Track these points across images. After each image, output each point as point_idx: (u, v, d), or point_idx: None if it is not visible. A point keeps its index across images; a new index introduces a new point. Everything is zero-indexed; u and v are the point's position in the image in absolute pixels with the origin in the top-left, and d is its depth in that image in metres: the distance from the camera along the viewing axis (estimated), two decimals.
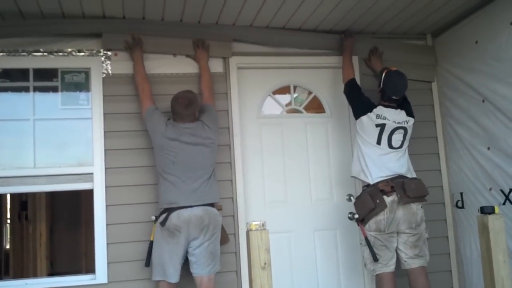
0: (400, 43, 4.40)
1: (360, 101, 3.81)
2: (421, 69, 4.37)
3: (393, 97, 3.69)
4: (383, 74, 3.71)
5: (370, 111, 3.67)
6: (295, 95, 4.31)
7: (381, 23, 4.10)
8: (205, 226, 3.38)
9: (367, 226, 3.56)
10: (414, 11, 3.89)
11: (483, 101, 3.84)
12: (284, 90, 4.30)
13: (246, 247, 3.63)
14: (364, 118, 3.70)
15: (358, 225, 3.63)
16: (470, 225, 4.02)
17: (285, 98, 4.31)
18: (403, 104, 3.79)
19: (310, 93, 4.31)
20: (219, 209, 3.55)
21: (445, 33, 4.27)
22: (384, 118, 3.65)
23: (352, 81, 3.92)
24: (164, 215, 3.40)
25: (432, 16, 4.02)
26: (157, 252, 3.42)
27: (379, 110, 3.68)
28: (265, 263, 2.59)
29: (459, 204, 4.18)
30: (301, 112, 4.29)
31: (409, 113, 3.76)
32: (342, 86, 4.03)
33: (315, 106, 4.33)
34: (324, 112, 4.31)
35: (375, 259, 3.51)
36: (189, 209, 3.37)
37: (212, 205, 3.49)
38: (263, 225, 2.65)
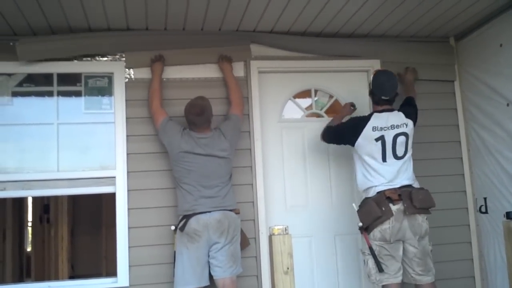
0: (419, 44, 4.35)
1: (345, 132, 3.66)
2: (441, 69, 4.33)
3: (383, 98, 3.56)
4: (372, 76, 3.63)
5: (363, 128, 3.50)
6: (316, 98, 4.30)
7: (403, 26, 4.06)
8: (224, 230, 3.39)
9: (371, 235, 3.39)
10: (437, 14, 3.85)
11: (508, 105, 3.78)
12: (305, 94, 4.29)
13: (266, 251, 3.66)
14: (359, 140, 3.52)
15: (362, 234, 3.47)
16: (494, 231, 3.96)
17: (306, 102, 4.30)
18: (403, 107, 3.70)
19: (331, 97, 4.30)
20: (237, 213, 3.55)
21: (468, 36, 4.22)
22: (381, 128, 3.49)
23: (327, 128, 3.81)
24: (183, 221, 3.41)
25: (456, 19, 3.98)
26: (178, 260, 3.42)
27: (374, 120, 3.52)
28: (287, 268, 2.60)
29: (483, 209, 4.11)
30: (322, 116, 4.28)
31: (408, 115, 3.59)
32: (363, 90, 4.01)
33: (336, 110, 4.30)
34: None
35: (380, 269, 3.36)
36: (207, 214, 3.38)
37: (230, 210, 3.49)
38: (285, 229, 2.66)
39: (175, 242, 3.50)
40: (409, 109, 3.67)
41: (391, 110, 3.59)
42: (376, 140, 3.48)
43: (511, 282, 2.74)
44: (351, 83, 4.29)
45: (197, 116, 3.53)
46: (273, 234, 2.65)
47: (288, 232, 2.65)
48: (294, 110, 4.27)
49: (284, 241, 2.62)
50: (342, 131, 3.71)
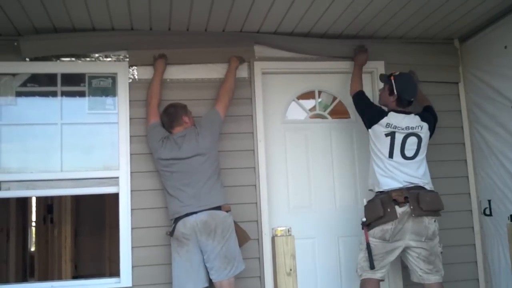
0: (423, 45, 4.33)
1: (369, 112, 3.71)
2: (445, 71, 4.33)
3: (411, 100, 3.64)
4: (393, 81, 3.62)
5: (380, 119, 3.58)
6: (319, 100, 4.29)
7: (408, 27, 4.05)
8: (211, 231, 3.35)
9: (372, 232, 3.46)
10: (442, 16, 3.84)
11: None
12: (309, 95, 4.28)
13: (269, 252, 3.65)
14: (375, 127, 3.61)
15: (363, 229, 3.51)
16: (499, 233, 3.95)
17: (309, 103, 4.29)
18: (422, 113, 3.74)
19: (335, 98, 4.29)
20: (227, 211, 3.49)
21: (473, 38, 4.21)
22: (395, 127, 3.55)
23: (359, 93, 3.84)
24: (172, 226, 3.43)
25: (460, 21, 3.97)
26: (173, 265, 3.43)
27: (389, 117, 3.58)
28: (290, 269, 2.58)
29: (487, 211, 4.10)
30: (325, 117, 4.27)
31: (424, 119, 3.65)
32: (367, 91, 4.00)
33: (340, 111, 4.30)
34: (349, 117, 4.28)
35: (372, 266, 3.43)
36: (194, 215, 3.37)
37: (218, 208, 3.44)
38: (288, 230, 2.64)
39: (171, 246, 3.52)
40: (428, 116, 3.73)
41: (409, 112, 3.64)
42: (386, 135, 3.56)
43: None
44: None
45: (166, 116, 3.62)
46: (276, 235, 2.63)
47: (291, 233, 2.64)
48: (297, 111, 4.26)
49: (287, 242, 2.60)
50: (372, 107, 3.75)
